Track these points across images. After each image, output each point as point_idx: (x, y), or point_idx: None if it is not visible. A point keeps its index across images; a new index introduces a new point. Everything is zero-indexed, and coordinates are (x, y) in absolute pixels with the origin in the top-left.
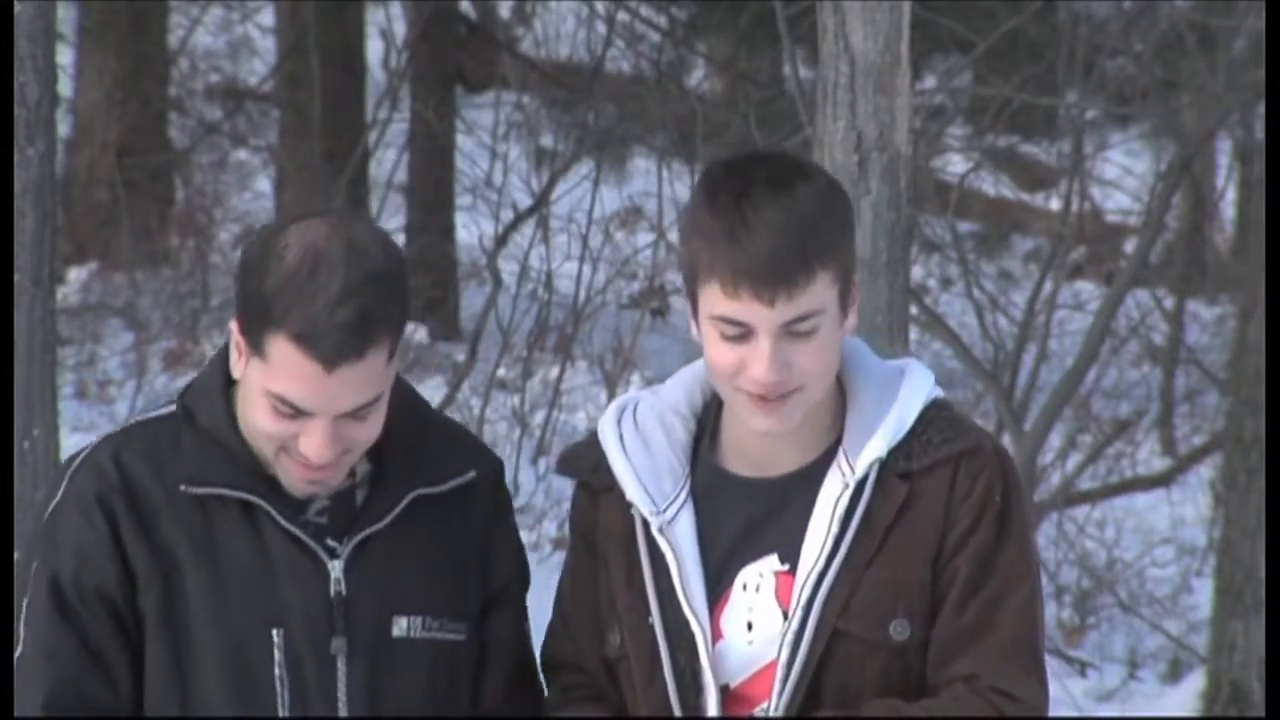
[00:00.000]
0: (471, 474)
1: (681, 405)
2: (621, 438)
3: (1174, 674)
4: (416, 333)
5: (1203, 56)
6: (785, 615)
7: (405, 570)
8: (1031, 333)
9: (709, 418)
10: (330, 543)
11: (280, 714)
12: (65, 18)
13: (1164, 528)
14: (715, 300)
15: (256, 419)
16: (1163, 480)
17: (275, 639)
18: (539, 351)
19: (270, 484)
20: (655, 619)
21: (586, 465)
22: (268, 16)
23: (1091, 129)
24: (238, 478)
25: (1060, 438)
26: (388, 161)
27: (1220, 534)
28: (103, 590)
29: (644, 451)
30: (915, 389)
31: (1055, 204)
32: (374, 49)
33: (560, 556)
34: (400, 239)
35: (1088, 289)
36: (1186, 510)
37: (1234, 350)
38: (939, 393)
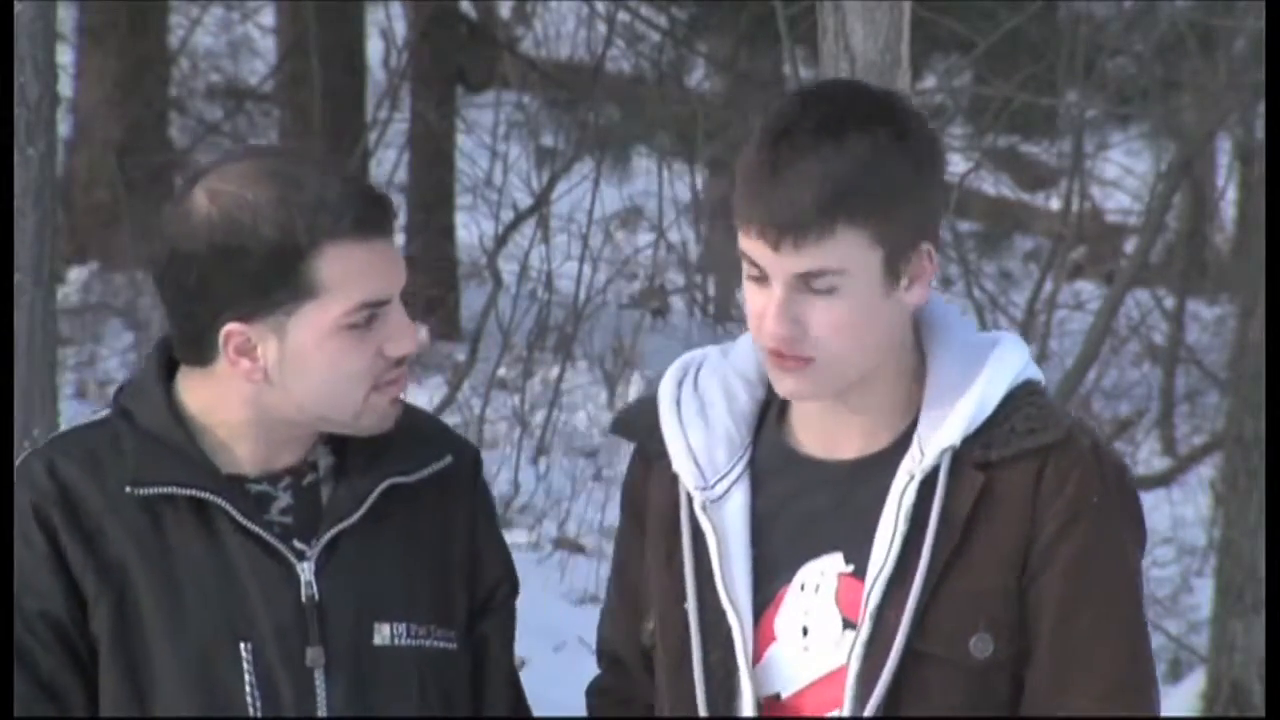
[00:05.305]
0: (448, 459)
1: (749, 369)
2: (679, 401)
3: (1174, 674)
4: (417, 332)
5: (1203, 56)
6: (845, 623)
7: (382, 572)
8: (1031, 333)
9: None
10: (297, 544)
11: None
12: (65, 18)
13: (1164, 528)
14: (740, 235)
15: (339, 369)
16: (1163, 480)
17: (243, 653)
18: (539, 351)
19: (225, 482)
20: (690, 605)
21: (642, 428)
22: (268, 16)
23: (1091, 129)
24: (189, 475)
25: None
26: (388, 161)
27: (1220, 534)
28: (49, 615)
29: (700, 418)
30: (1003, 366)
31: (1055, 204)
32: (374, 49)
33: (560, 556)
34: (400, 239)
35: (1088, 289)
36: (1186, 510)
37: (1234, 350)
38: (1034, 373)
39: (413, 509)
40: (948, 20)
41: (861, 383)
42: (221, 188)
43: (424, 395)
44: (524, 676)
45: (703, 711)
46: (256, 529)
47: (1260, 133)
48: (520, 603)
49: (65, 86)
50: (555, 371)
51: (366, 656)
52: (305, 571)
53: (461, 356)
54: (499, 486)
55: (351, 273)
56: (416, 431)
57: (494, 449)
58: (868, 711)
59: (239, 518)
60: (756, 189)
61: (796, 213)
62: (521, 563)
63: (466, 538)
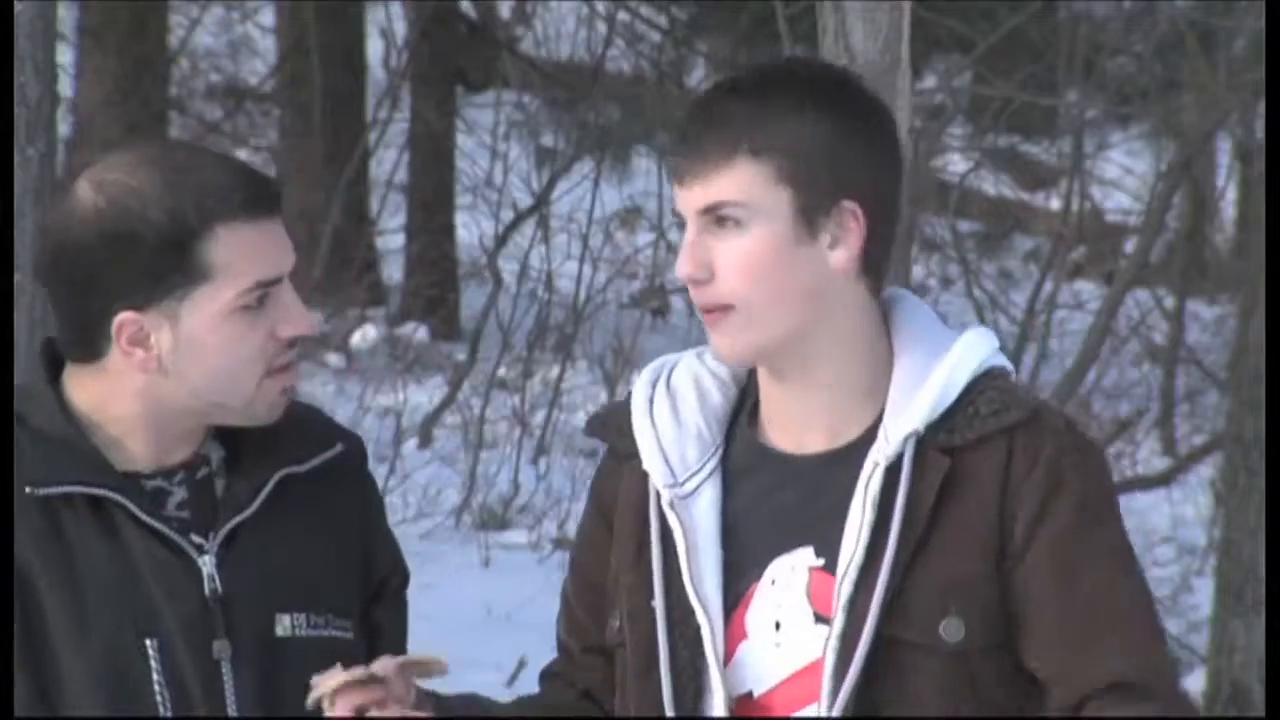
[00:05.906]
0: (339, 447)
1: (721, 368)
2: (652, 400)
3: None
4: (417, 332)
5: (1203, 56)
6: (817, 617)
7: (281, 563)
8: (1031, 333)
9: (753, 385)
10: (195, 539)
11: None
12: (65, 18)
13: (1164, 528)
14: None
15: (234, 353)
16: (1163, 480)
17: (150, 650)
18: (539, 351)
19: (122, 479)
20: (658, 603)
21: (613, 428)
22: (268, 16)
23: (1091, 129)
24: (86, 474)
25: None
26: (388, 161)
27: (1220, 534)
28: None
29: (671, 416)
30: (967, 355)
31: (1055, 204)
32: (374, 49)
33: (560, 556)
34: (400, 239)
35: (1088, 289)
36: (1186, 510)
37: (1234, 350)
38: (1000, 361)
39: (306, 499)
40: (948, 20)
41: (820, 368)
42: (106, 177)
43: (424, 395)
44: (524, 676)
45: (670, 712)
46: (156, 524)
47: (1260, 133)
48: (520, 603)
49: (65, 86)
50: (555, 371)
51: (271, 647)
52: (207, 565)
53: (461, 356)
54: (499, 486)
55: (243, 253)
56: (304, 422)
57: (494, 449)
58: (840, 700)
59: (138, 514)
60: (679, 136)
61: (701, 145)
62: (521, 563)
63: (358, 527)
